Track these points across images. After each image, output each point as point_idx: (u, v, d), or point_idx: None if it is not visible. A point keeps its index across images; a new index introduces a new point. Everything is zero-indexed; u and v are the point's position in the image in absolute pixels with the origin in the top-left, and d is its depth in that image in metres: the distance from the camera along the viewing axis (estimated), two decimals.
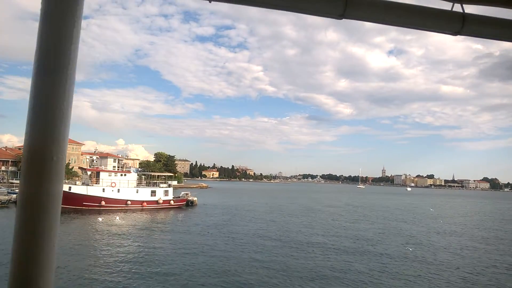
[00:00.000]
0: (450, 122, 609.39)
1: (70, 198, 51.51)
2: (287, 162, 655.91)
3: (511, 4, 2.74)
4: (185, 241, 31.86)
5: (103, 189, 53.87)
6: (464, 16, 2.63)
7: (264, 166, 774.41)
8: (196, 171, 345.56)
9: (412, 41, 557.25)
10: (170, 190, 60.18)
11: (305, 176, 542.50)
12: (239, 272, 21.97)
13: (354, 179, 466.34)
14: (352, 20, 2.73)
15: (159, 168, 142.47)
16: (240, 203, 74.30)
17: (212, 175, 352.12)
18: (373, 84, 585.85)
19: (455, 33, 2.63)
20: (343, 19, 2.61)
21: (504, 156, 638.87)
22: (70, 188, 52.71)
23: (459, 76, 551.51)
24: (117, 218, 45.02)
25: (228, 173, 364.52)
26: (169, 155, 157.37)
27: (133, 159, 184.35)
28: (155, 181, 63.10)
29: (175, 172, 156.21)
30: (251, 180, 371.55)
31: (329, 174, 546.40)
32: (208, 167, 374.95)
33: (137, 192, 56.31)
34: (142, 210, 54.30)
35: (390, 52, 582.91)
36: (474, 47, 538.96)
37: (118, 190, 54.86)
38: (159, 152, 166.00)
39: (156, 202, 57.08)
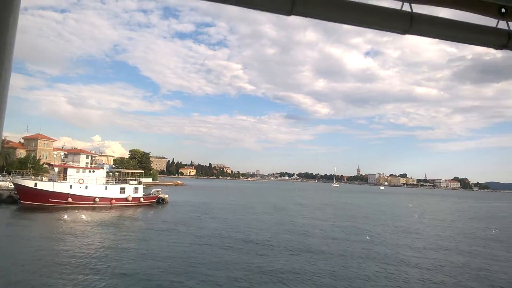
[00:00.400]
0: (424, 123, 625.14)
1: (35, 194, 50.53)
2: (265, 160, 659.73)
3: (457, 4, 3.04)
4: (149, 239, 31.84)
5: (71, 186, 52.99)
6: (412, 15, 2.84)
7: (242, 164, 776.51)
8: (173, 168, 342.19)
9: (388, 42, 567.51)
10: (140, 187, 59.68)
11: (282, 175, 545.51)
12: (197, 271, 22.09)
13: (330, 178, 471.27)
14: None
15: (133, 165, 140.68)
16: (212, 201, 74.34)
17: (189, 172, 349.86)
18: (350, 85, 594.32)
19: (403, 32, 2.85)
20: (292, 16, 2.74)
21: (474, 157, 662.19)
22: (36, 184, 51.65)
23: (433, 78, 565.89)
24: (83, 215, 44.43)
25: (205, 171, 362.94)
26: (143, 152, 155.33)
27: (107, 156, 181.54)
28: (126, 178, 62.39)
29: (150, 169, 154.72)
30: (228, 178, 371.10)
31: (306, 172, 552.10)
32: (186, 164, 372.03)
33: (105, 189, 55.61)
34: (110, 207, 53.68)
35: (367, 53, 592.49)
36: (448, 50, 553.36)
37: (86, 187, 54.07)
38: (134, 149, 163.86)
39: (125, 199, 56.53)
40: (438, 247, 34.31)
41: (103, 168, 68.15)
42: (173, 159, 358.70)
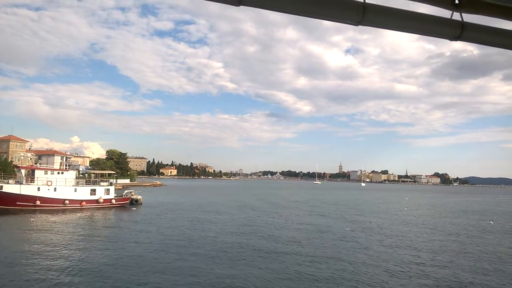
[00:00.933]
0: (404, 119, 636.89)
1: (1, 198, 49.21)
2: (247, 159, 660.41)
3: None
4: (115, 241, 31.23)
5: (38, 188, 51.65)
6: (364, 6, 2.92)
7: (224, 163, 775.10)
8: (154, 168, 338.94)
9: (368, 40, 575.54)
10: (112, 188, 58.59)
11: (265, 173, 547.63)
12: (160, 275, 21.75)
13: (312, 175, 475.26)
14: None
15: (110, 166, 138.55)
16: (189, 202, 73.74)
17: (170, 172, 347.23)
18: (331, 82, 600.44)
19: (356, 23, 2.89)
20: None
21: (453, 152, 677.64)
22: (1, 187, 50.29)
23: (413, 75, 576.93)
24: (51, 218, 43.45)
25: (186, 171, 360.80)
26: (121, 152, 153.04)
27: (83, 157, 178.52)
28: (96, 179, 61.19)
29: (127, 170, 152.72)
30: (210, 177, 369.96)
31: (289, 170, 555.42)
32: (167, 164, 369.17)
33: (75, 191, 54.42)
34: (81, 209, 52.57)
35: (347, 51, 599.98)
36: (427, 47, 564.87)
37: (55, 189, 52.80)
38: (111, 150, 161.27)
39: (96, 201, 55.42)
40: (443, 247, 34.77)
41: (76, 170, 67.00)
42: (153, 159, 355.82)
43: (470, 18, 3.24)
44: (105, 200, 56.32)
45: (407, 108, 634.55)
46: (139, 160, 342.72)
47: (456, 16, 3.13)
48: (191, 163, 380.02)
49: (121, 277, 20.53)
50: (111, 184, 59.47)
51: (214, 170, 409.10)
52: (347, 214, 58.87)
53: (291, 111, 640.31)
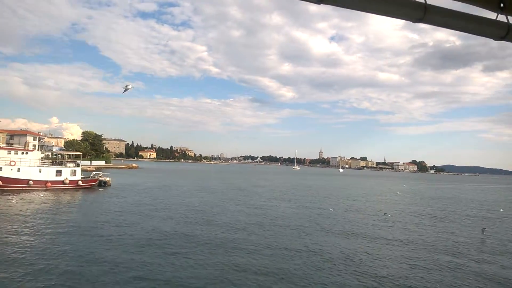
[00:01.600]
0: (385, 107, 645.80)
1: None
2: (229, 143, 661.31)
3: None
4: (74, 222, 31.06)
5: (1, 168, 50.71)
6: (425, 6, 3.15)
7: (206, 147, 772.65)
8: (132, 151, 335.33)
9: (353, 28, 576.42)
10: (79, 170, 57.84)
11: (246, 158, 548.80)
12: (117, 261, 21.18)
13: (292, 161, 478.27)
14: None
15: (84, 147, 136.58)
16: (160, 184, 73.67)
17: (150, 155, 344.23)
18: (314, 69, 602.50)
19: (418, 20, 3.11)
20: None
21: (431, 141, 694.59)
22: None
23: (395, 64, 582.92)
24: (13, 199, 42.78)
25: (166, 154, 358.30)
26: (96, 134, 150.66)
27: (57, 138, 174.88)
28: (65, 160, 60.28)
29: (102, 151, 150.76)
30: (190, 161, 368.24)
31: (270, 155, 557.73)
32: (146, 147, 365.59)
33: (40, 171, 53.59)
34: (45, 190, 51.89)
35: (332, 38, 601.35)
36: (410, 37, 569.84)
37: (18, 169, 51.87)
38: (86, 131, 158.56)
39: (62, 182, 54.77)
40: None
41: (49, 151, 65.89)
42: (132, 141, 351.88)
43: None
44: (71, 181, 55.61)
45: (389, 96, 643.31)
46: (118, 142, 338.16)
47: (502, 18, 3.34)
48: (171, 147, 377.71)
49: (69, 261, 20.53)
50: (78, 165, 58.64)
51: (194, 154, 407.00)
52: (293, 199, 59.84)
53: (275, 97, 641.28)
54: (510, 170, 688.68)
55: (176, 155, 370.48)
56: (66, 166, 56.79)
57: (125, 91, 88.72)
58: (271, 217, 38.21)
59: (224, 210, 42.03)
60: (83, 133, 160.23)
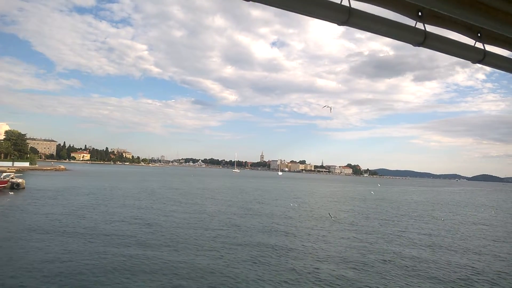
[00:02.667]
0: (323, 113, 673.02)
1: None
2: (171, 145, 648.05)
3: (384, 4, 3.43)
4: None
5: None
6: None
7: (146, 149, 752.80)
8: (64, 152, 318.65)
9: (294, 35, 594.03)
10: None
11: (187, 160, 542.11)
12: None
13: (235, 164, 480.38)
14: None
15: (6, 147, 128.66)
16: (80, 187, 71.68)
17: (83, 157, 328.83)
18: (257, 73, 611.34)
19: (342, 23, 3.18)
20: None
21: (366, 145, 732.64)
22: None
23: (333, 71, 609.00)
24: None
25: (101, 156, 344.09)
26: (20, 133, 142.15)
27: None
28: None
29: (26, 152, 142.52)
30: (127, 163, 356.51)
31: (211, 158, 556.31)
32: (80, 148, 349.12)
33: None
34: None
35: (274, 44, 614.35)
36: (347, 46, 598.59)
37: None
38: (10, 130, 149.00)
39: None
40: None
41: None
42: (64, 142, 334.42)
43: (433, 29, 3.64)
44: None
45: (327, 102, 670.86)
46: (48, 143, 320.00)
47: (420, 26, 3.51)
48: (106, 148, 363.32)
49: None
50: None
51: (132, 156, 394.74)
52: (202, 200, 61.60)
53: (217, 100, 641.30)
54: (437, 174, 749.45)
55: (112, 157, 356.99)
56: None
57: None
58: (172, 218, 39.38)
59: (125, 212, 42.47)
60: (5, 132, 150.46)
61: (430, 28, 3.54)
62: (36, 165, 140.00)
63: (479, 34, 3.78)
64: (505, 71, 4.09)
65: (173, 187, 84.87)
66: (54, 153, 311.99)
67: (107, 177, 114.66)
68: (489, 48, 3.87)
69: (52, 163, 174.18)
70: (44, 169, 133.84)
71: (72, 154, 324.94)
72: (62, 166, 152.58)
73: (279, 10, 3.10)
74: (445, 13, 3.41)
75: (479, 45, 3.81)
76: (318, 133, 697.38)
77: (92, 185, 76.72)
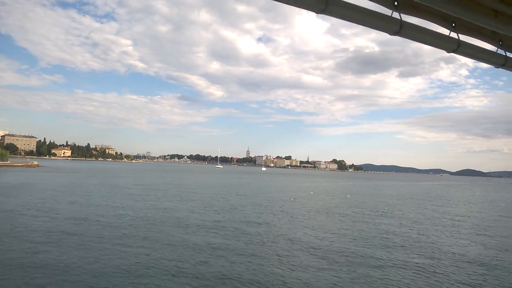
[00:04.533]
0: (310, 108, 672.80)
1: None
2: (156, 142, 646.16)
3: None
4: None
5: None
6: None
7: (132, 145, 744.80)
8: (45, 149, 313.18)
9: (279, 30, 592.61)
10: None
11: (172, 156, 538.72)
12: None
13: (221, 160, 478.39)
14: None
15: None
16: (40, 183, 69.07)
17: (64, 153, 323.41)
18: (243, 69, 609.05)
19: (320, 11, 3.24)
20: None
21: (351, 141, 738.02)
22: None
23: (319, 67, 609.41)
24: None
25: (82, 152, 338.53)
26: None
27: None
28: None
29: None
30: (110, 160, 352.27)
31: (197, 154, 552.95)
32: (62, 145, 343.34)
33: None
34: None
35: (260, 39, 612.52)
36: (332, 42, 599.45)
37: None
38: None
39: None
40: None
41: None
42: (44, 138, 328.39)
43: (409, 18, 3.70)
44: None
45: (313, 98, 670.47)
46: (28, 139, 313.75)
47: (396, 15, 3.55)
48: (88, 144, 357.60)
49: None
50: None
51: (116, 152, 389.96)
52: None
53: (204, 95, 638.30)
54: (421, 168, 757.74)
55: (94, 153, 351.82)
56: None
57: None
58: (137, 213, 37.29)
59: (66, 209, 40.25)
60: None
61: (406, 18, 3.62)
62: (8, 161, 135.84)
63: (453, 24, 3.91)
64: (478, 60, 4.32)
65: (142, 183, 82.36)
66: (34, 150, 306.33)
67: (77, 173, 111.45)
68: (463, 38, 4.04)
69: (28, 159, 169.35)
70: (15, 166, 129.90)
71: (53, 151, 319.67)
72: (35, 162, 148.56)
73: (265, 5, 3.07)
74: (421, 3, 3.46)
75: (453, 35, 3.96)
76: (304, 129, 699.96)
77: (54, 181, 73.85)
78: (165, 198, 52.18)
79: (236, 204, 48.51)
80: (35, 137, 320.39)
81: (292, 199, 58.49)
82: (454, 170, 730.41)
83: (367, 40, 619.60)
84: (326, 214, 43.38)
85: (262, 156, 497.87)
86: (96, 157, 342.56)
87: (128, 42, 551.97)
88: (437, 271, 20.88)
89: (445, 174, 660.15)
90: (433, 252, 25.58)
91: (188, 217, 36.18)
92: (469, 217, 48.17)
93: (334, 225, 35.60)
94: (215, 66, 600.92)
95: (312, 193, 75.67)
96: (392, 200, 67.01)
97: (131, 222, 31.85)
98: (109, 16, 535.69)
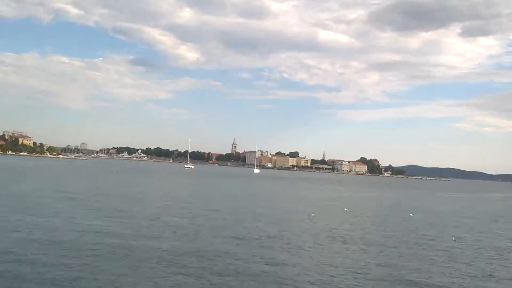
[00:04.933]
0: (328, 81, 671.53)
1: None
2: (97, 128, 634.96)
3: None
4: None
5: None
6: None
7: (60, 133, 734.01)
8: None
9: None
10: None
11: (119, 150, 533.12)
12: None
13: (193, 156, 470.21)
14: None
15: None
16: None
17: None
18: (229, 20, 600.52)
19: None
20: None
21: (389, 131, 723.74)
22: None
23: (344, 19, 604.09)
24: None
25: None
26: None
27: None
28: None
29: None
30: (25, 153, 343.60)
31: (157, 148, 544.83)
32: None
33: None
34: None
35: None
36: None
37: None
38: None
39: None
40: None
41: None
42: None
43: None
44: None
45: (333, 65, 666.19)
46: None
47: None
48: None
49: None
50: None
51: (35, 143, 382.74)
52: None
53: (169, 59, 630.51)
54: (493, 173, 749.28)
55: (1, 143, 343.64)
56: None
57: None
58: None
59: None
60: None
61: None
62: None
63: None
64: None
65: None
66: None
67: None
68: None
69: None
70: None
71: None
72: None
73: None
74: None
75: None
76: (319, 112, 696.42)
77: None
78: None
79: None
80: None
81: (311, 220, 50.07)
82: None
83: None
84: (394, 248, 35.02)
85: (255, 152, 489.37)
86: (4, 149, 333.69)
87: None
88: None
89: None
90: None
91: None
92: None
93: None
94: (187, 14, 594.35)
95: (346, 210, 67.75)
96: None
97: None
98: None
